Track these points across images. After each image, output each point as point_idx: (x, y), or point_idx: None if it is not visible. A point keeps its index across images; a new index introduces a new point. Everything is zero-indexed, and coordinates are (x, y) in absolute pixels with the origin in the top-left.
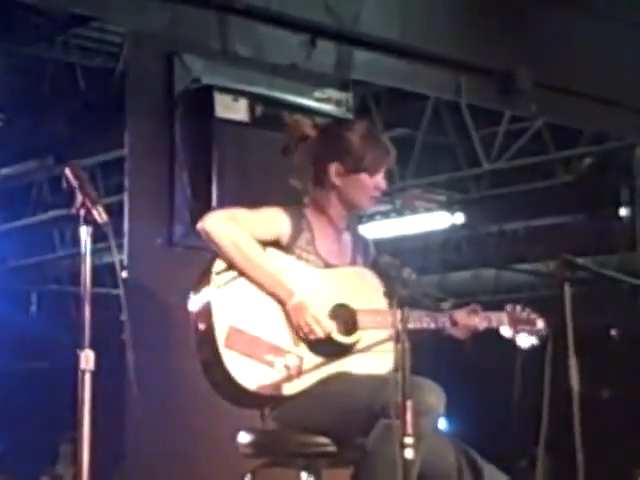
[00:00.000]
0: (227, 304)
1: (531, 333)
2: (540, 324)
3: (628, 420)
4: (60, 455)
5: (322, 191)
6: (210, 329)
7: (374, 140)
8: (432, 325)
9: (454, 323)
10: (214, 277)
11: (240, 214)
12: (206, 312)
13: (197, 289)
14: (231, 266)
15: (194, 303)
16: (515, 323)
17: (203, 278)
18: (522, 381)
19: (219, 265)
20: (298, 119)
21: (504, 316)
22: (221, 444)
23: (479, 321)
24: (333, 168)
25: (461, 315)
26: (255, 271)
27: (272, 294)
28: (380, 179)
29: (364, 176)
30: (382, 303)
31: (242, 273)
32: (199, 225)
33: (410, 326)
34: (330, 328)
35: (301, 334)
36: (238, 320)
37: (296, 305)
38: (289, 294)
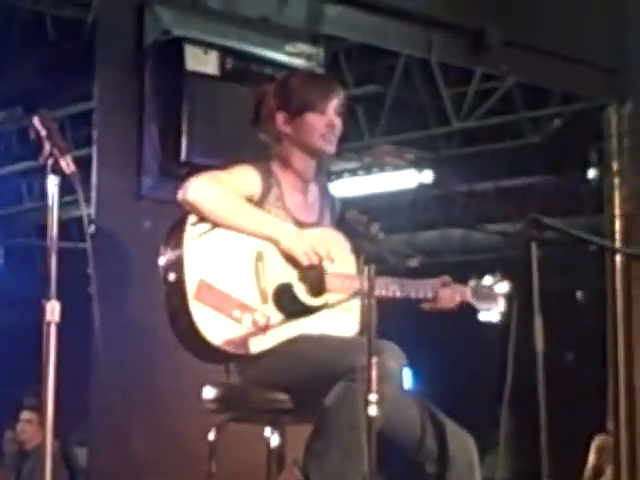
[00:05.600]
0: (199, 257)
1: (491, 310)
2: (501, 304)
3: (592, 384)
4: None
5: (280, 144)
6: (181, 280)
7: (314, 78)
8: (412, 294)
9: (435, 297)
10: (188, 228)
11: (220, 175)
12: (178, 263)
13: (169, 239)
14: (221, 226)
15: (165, 253)
16: (478, 297)
17: (176, 229)
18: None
19: (193, 217)
20: (261, 87)
21: (467, 291)
22: (186, 398)
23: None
24: (280, 117)
25: (444, 291)
26: (250, 222)
27: (271, 238)
28: (331, 116)
29: (311, 116)
30: (351, 265)
31: (238, 230)
32: (180, 196)
33: (383, 292)
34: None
35: (307, 260)
36: (209, 274)
37: (297, 234)
38: (289, 229)
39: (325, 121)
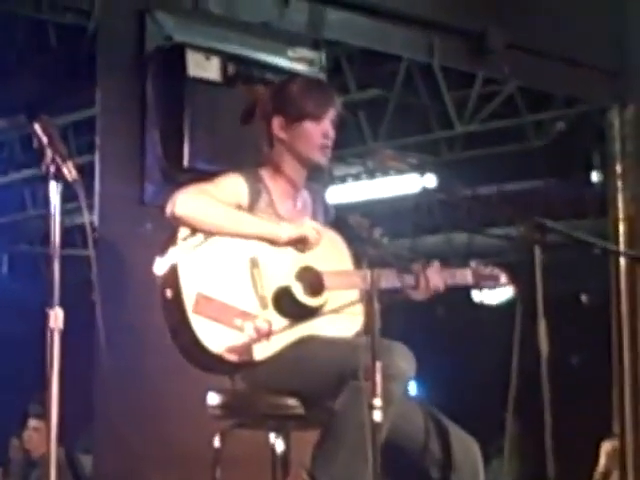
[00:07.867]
0: (194, 270)
1: (495, 287)
2: (503, 278)
3: (596, 387)
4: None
5: (274, 149)
6: (178, 296)
7: (314, 86)
8: (398, 284)
9: (421, 281)
10: (180, 243)
11: (206, 187)
12: (173, 279)
13: (163, 255)
14: (216, 234)
15: (160, 268)
16: (479, 279)
17: (169, 244)
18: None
19: (184, 231)
20: (253, 87)
21: (468, 272)
22: (190, 405)
23: (445, 278)
24: (276, 121)
25: (430, 272)
26: (241, 227)
27: (265, 237)
28: (327, 126)
29: (308, 124)
30: (348, 263)
31: (234, 236)
32: (168, 211)
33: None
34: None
35: (316, 234)
36: (206, 286)
37: (292, 226)
38: (283, 224)
39: (321, 130)
